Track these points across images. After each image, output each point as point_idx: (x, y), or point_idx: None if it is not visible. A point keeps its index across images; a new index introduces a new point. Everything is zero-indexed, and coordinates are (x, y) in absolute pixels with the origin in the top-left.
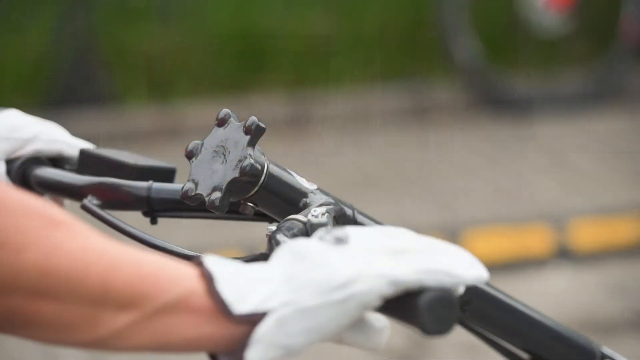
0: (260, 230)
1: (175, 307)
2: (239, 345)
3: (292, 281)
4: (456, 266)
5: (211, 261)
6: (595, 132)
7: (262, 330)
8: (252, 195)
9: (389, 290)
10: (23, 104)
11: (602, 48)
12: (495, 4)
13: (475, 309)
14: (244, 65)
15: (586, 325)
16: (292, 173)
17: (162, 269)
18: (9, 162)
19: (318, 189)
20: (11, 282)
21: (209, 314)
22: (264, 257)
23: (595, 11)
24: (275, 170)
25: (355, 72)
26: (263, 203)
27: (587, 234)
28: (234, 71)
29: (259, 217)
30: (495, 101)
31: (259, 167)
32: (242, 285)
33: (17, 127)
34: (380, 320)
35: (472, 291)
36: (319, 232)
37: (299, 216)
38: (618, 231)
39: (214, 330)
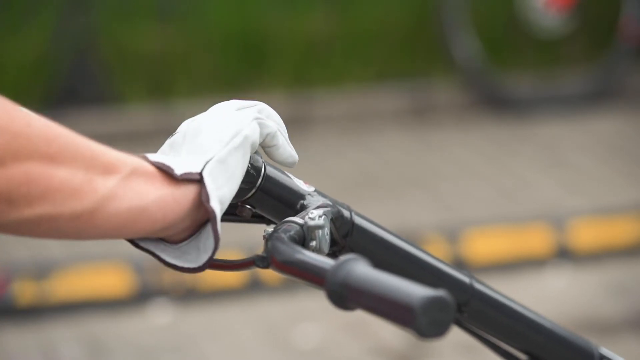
0: (258, 231)
1: (137, 171)
2: (197, 204)
3: (199, 146)
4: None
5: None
6: (595, 132)
7: (209, 184)
8: (250, 197)
9: (261, 130)
10: (23, 105)
11: (602, 48)
12: (495, 4)
13: (473, 310)
14: (244, 65)
15: (586, 325)
16: (290, 175)
17: (108, 149)
18: None
19: (315, 191)
20: (26, 147)
21: (160, 177)
22: (260, 259)
23: (595, 11)
24: (272, 172)
25: (356, 72)
26: (260, 205)
27: (587, 234)
28: (233, 71)
29: (257, 219)
30: (495, 101)
31: (256, 170)
32: (171, 158)
33: None
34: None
35: (470, 292)
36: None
37: (296, 218)
38: (618, 231)
39: (169, 191)
